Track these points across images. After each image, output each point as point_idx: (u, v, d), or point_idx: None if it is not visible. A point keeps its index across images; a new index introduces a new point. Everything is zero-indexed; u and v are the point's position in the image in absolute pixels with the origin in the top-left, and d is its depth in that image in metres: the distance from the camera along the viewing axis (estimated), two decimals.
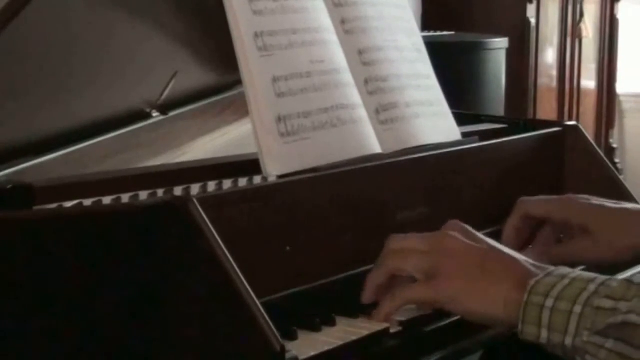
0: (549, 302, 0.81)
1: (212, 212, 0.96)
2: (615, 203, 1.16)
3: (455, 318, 1.05)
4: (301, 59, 1.24)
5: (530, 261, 0.88)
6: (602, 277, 0.83)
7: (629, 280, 0.80)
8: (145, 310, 0.98)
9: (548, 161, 1.53)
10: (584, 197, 1.16)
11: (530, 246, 1.19)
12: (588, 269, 1.12)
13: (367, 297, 0.99)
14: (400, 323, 1.04)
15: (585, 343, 0.78)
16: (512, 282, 0.84)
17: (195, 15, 1.45)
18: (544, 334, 0.81)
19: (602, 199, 1.15)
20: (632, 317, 0.76)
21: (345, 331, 1.03)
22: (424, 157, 1.35)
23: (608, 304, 0.78)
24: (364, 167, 1.26)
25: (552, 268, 0.86)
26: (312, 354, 0.97)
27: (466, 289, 0.87)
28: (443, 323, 1.07)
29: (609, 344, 0.77)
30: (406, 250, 0.95)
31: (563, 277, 0.82)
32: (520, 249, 1.11)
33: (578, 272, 0.84)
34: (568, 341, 0.79)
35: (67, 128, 1.38)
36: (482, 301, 0.86)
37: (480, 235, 0.94)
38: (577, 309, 0.79)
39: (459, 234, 0.93)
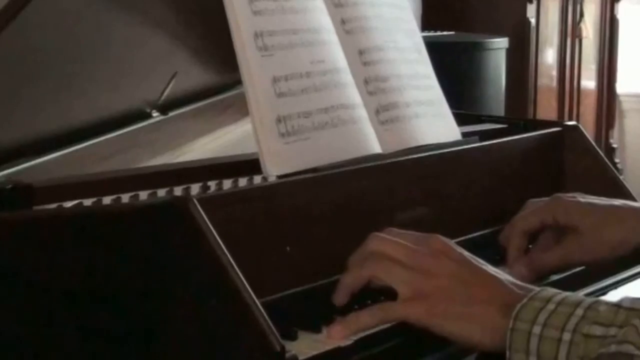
0: (536, 329, 0.79)
1: (212, 212, 0.96)
2: (603, 200, 1.15)
3: None
4: (301, 59, 1.24)
5: (513, 281, 0.86)
6: (588, 300, 0.81)
7: (617, 305, 0.79)
8: (145, 310, 0.98)
9: (548, 161, 1.53)
10: (571, 196, 1.15)
11: (530, 247, 1.19)
12: (588, 269, 1.12)
13: (340, 299, 0.97)
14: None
15: None
16: (496, 305, 0.82)
17: (195, 15, 1.45)
18: None
19: (590, 197, 1.15)
20: (625, 347, 0.74)
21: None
22: (424, 157, 1.35)
23: (598, 330, 0.77)
24: (364, 167, 1.26)
25: (535, 290, 0.84)
26: (312, 354, 0.97)
27: (448, 312, 0.85)
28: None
29: None
30: (389, 259, 0.93)
31: (548, 300, 0.80)
32: (514, 265, 1.11)
33: (563, 294, 0.82)
34: None
35: (67, 128, 1.38)
36: (464, 326, 0.84)
37: (461, 251, 0.92)
38: (566, 336, 0.77)
39: (443, 254, 0.91)
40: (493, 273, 0.88)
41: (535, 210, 1.17)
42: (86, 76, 1.37)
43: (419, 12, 4.07)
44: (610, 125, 4.88)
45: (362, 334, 1.02)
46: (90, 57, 1.35)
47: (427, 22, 4.00)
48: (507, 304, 0.82)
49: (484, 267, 0.89)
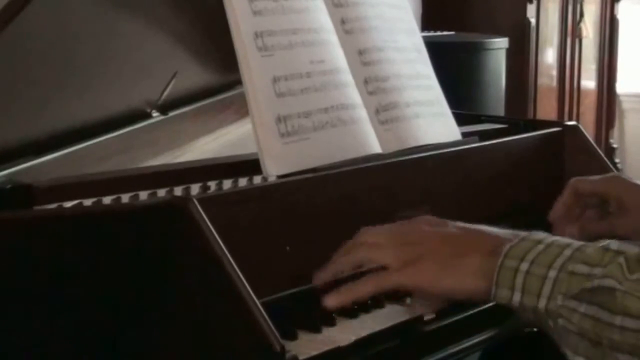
0: (524, 266, 0.81)
1: (212, 212, 0.96)
2: None
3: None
4: (301, 59, 1.24)
5: (503, 231, 0.88)
6: (577, 243, 0.83)
7: (604, 247, 0.81)
8: (145, 310, 0.98)
9: (548, 161, 1.53)
10: (628, 177, 1.20)
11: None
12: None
13: (322, 278, 0.97)
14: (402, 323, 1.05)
15: (559, 307, 0.79)
16: (484, 251, 0.84)
17: (195, 15, 1.45)
18: (517, 297, 0.81)
19: None
20: (608, 282, 0.76)
21: (345, 331, 1.03)
22: (424, 157, 1.35)
23: (583, 269, 0.79)
24: (364, 167, 1.26)
25: (526, 234, 0.85)
26: (312, 354, 0.97)
27: (440, 268, 0.87)
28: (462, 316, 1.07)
29: (583, 307, 0.77)
30: (378, 243, 0.95)
31: (538, 242, 0.83)
32: (566, 224, 1.15)
33: (554, 237, 0.84)
34: (541, 304, 0.79)
35: (67, 128, 1.38)
36: (457, 276, 0.86)
37: (448, 221, 0.95)
38: (552, 273, 0.80)
39: (428, 222, 0.94)
40: (478, 227, 0.90)
41: (592, 178, 1.19)
42: (86, 76, 1.37)
43: (419, 12, 4.06)
44: (610, 125, 4.88)
45: (363, 334, 1.02)
46: (90, 57, 1.35)
47: (427, 22, 4.00)
48: (495, 248, 0.84)
49: (470, 225, 0.91)
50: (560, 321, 0.79)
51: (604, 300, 0.76)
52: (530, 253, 0.81)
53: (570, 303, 0.78)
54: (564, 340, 0.80)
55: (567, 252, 0.81)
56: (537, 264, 0.80)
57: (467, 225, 0.91)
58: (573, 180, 1.21)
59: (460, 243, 0.88)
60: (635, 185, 1.16)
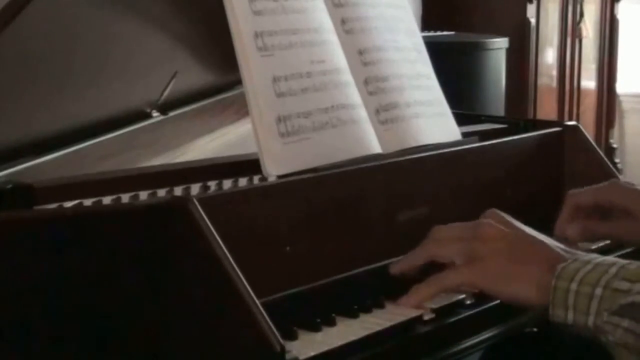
0: (574, 286, 0.85)
1: (212, 212, 0.96)
2: None
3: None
4: (301, 59, 1.24)
5: (561, 246, 0.93)
6: (622, 261, 0.88)
7: None
8: (145, 310, 0.98)
9: (548, 161, 1.53)
10: (628, 183, 1.20)
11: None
12: (635, 250, 1.15)
13: (398, 269, 1.03)
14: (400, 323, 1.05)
15: (604, 323, 0.83)
16: (544, 266, 0.89)
17: (195, 15, 1.45)
18: (570, 315, 0.86)
19: None
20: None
21: (346, 331, 1.03)
22: (424, 157, 1.35)
23: (624, 285, 0.83)
24: (364, 167, 1.26)
25: (580, 254, 0.90)
26: (312, 354, 0.97)
27: (502, 272, 0.91)
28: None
29: (625, 323, 0.82)
30: (447, 239, 0.99)
31: (587, 262, 0.87)
32: (567, 225, 1.16)
33: (602, 257, 0.89)
34: (590, 321, 0.84)
35: (67, 128, 1.38)
36: (516, 284, 0.90)
37: (516, 222, 0.98)
38: (598, 291, 0.84)
39: (496, 222, 0.98)
40: (542, 238, 0.94)
41: (593, 188, 1.20)
42: (86, 76, 1.37)
43: (419, 12, 4.06)
44: (610, 125, 4.88)
45: (364, 334, 1.02)
46: (90, 57, 1.35)
47: (427, 22, 4.00)
48: (553, 264, 0.88)
49: (534, 233, 0.95)
50: (609, 337, 0.83)
51: (638, 315, 0.81)
52: (579, 273, 0.85)
53: (613, 319, 0.83)
54: (617, 355, 0.83)
55: (612, 270, 0.85)
56: (585, 283, 0.85)
57: (532, 232, 0.94)
58: (571, 194, 1.20)
59: (524, 251, 0.91)
60: (636, 190, 1.17)
